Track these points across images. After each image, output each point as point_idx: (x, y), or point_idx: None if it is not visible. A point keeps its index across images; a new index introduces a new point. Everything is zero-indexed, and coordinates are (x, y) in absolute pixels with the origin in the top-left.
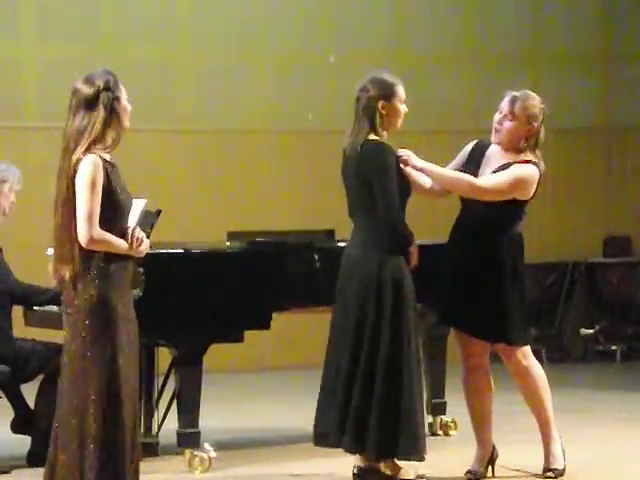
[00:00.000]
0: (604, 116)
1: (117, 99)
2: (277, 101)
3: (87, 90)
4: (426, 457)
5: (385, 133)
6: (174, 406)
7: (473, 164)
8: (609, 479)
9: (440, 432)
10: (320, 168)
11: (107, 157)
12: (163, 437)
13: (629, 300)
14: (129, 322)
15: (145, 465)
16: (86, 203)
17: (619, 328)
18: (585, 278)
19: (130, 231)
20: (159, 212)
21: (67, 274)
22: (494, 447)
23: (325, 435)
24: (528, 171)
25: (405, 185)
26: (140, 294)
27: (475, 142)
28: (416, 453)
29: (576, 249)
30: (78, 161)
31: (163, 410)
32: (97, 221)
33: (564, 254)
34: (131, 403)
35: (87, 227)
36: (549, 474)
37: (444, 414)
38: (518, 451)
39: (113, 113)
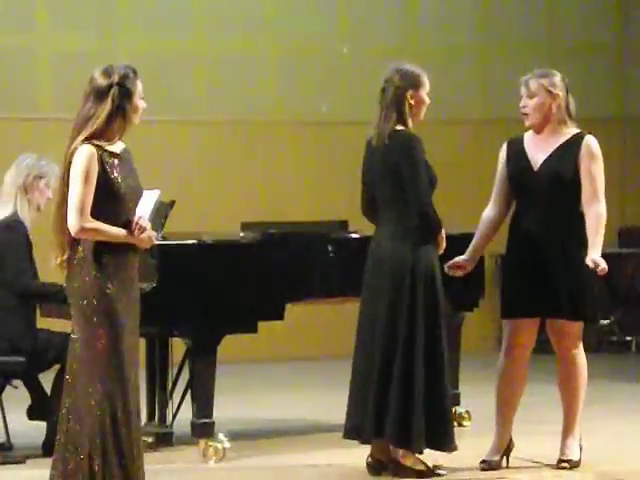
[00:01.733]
0: (619, 106)
1: (129, 96)
2: (291, 92)
3: (101, 81)
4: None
5: (411, 123)
6: (188, 396)
7: (515, 161)
8: (624, 470)
9: (454, 423)
10: (334, 159)
11: (111, 148)
12: (177, 427)
13: None
14: (130, 311)
15: (159, 455)
16: (77, 193)
17: (634, 319)
18: None
19: (135, 219)
20: (173, 203)
21: (58, 260)
22: (511, 438)
23: (358, 428)
24: (595, 145)
25: (433, 176)
26: (154, 285)
27: (505, 143)
28: (451, 443)
29: None
30: (74, 151)
31: (177, 400)
32: (88, 211)
33: None
34: (135, 388)
35: (77, 217)
36: (564, 465)
37: (458, 405)
38: (533, 442)
39: (120, 109)
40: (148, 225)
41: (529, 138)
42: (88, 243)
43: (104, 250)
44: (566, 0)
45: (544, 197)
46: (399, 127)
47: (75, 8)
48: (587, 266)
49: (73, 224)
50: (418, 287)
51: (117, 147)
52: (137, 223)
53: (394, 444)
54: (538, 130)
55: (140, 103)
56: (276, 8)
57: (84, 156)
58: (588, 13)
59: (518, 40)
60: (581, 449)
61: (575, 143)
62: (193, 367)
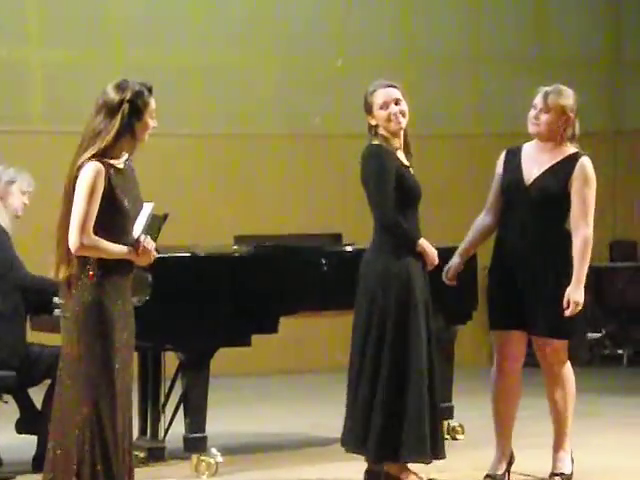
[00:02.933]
0: (611, 120)
1: (139, 114)
2: (285, 105)
3: (113, 96)
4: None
5: (384, 139)
6: (181, 411)
7: (510, 167)
8: None
9: (447, 436)
10: (328, 172)
11: (116, 163)
12: (170, 442)
13: (635, 304)
14: (125, 329)
15: (152, 470)
16: (81, 210)
17: (626, 332)
18: (591, 282)
19: (141, 239)
20: (166, 216)
21: (61, 274)
22: (512, 451)
23: (349, 441)
24: (590, 167)
25: (411, 186)
26: (146, 299)
27: (504, 152)
28: (422, 455)
29: None
30: (81, 166)
31: (170, 415)
32: (90, 228)
33: None
34: (125, 406)
35: (78, 234)
36: (557, 478)
37: (452, 418)
38: (527, 456)
39: (128, 127)
40: (153, 245)
41: (528, 150)
42: (93, 260)
43: (110, 267)
44: (559, 14)
45: (532, 213)
46: (375, 141)
47: (67, 21)
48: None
49: (73, 241)
50: (389, 298)
51: (121, 161)
52: (142, 244)
53: (374, 460)
54: (540, 140)
55: (151, 122)
56: (270, 20)
57: (91, 173)
58: (581, 27)
59: (511, 54)
60: (573, 462)
61: (570, 162)
62: (186, 381)
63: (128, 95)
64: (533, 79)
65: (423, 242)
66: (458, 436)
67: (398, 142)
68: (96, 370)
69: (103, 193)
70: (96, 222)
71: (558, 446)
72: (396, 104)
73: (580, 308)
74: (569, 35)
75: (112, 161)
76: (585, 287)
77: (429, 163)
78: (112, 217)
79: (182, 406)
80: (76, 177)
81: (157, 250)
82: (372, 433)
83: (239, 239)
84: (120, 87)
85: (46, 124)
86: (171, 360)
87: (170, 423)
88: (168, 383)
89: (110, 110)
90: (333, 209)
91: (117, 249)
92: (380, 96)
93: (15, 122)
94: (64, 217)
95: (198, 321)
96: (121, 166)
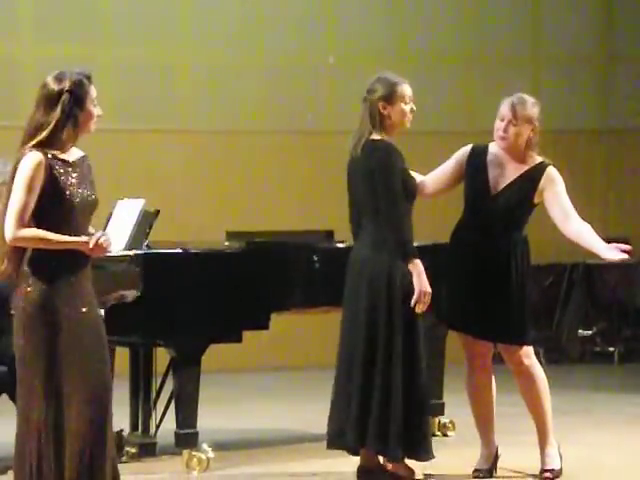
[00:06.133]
0: (603, 118)
1: (80, 103)
2: (276, 101)
3: (52, 87)
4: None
5: (386, 134)
6: (172, 406)
7: (474, 169)
8: None
9: (438, 433)
10: (319, 168)
11: (63, 156)
12: (161, 437)
13: (627, 302)
14: (79, 325)
15: (143, 465)
16: (17, 201)
17: (617, 330)
18: (583, 279)
19: (98, 235)
20: (157, 212)
21: (3, 268)
22: (497, 447)
23: (341, 435)
24: (556, 173)
25: (412, 185)
26: (138, 294)
27: (470, 148)
28: (426, 453)
29: (574, 250)
30: (21, 157)
31: (161, 410)
32: (25, 218)
33: (562, 255)
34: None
35: (12, 224)
36: (547, 474)
37: (442, 415)
38: (517, 452)
39: (70, 117)
40: (110, 244)
41: (493, 154)
42: (35, 254)
43: (53, 259)
44: (551, 12)
45: (495, 220)
46: (375, 136)
47: (60, 17)
48: (522, 284)
49: (7, 232)
50: (396, 295)
51: (72, 155)
52: (98, 239)
53: (374, 451)
54: (508, 152)
55: (94, 110)
56: (262, 18)
57: (30, 163)
58: (573, 25)
59: (503, 52)
60: (561, 457)
61: (537, 172)
62: (177, 377)
63: (67, 85)
64: (525, 77)
65: (420, 265)
66: (449, 432)
67: (395, 138)
68: (41, 370)
69: (44, 183)
70: (37, 213)
71: (543, 442)
72: (411, 101)
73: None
74: (562, 33)
75: (55, 152)
76: (575, 284)
77: (419, 160)
78: (54, 207)
79: (173, 402)
80: (16, 169)
81: (149, 246)
82: (370, 428)
83: (231, 235)
84: (58, 78)
85: None
86: (162, 356)
87: (161, 419)
88: (159, 379)
89: (49, 102)
90: (325, 206)
91: (60, 238)
92: (407, 90)
93: (8, 118)
94: (5, 210)
95: (189, 317)
96: (70, 159)
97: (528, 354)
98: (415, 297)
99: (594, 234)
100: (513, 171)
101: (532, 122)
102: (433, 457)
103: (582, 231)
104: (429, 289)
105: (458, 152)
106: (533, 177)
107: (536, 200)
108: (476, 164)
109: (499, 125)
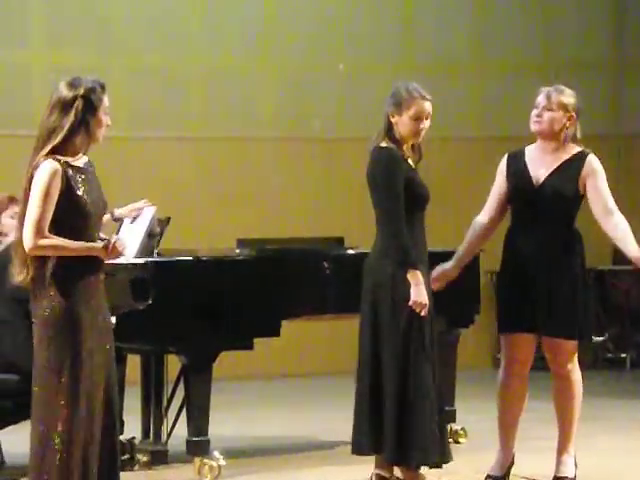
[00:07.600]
0: (613, 123)
1: (93, 110)
2: (287, 109)
3: (66, 92)
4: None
5: (394, 143)
6: (183, 414)
7: (515, 169)
8: None
9: (450, 440)
10: (330, 175)
11: (75, 163)
12: (172, 445)
13: (639, 308)
14: (98, 332)
15: (154, 473)
16: (35, 210)
17: (629, 336)
18: (595, 285)
19: (113, 239)
20: (169, 219)
21: (21, 277)
22: (513, 454)
23: (361, 443)
24: (597, 162)
25: (421, 193)
26: (149, 302)
27: (506, 156)
28: (442, 455)
29: (586, 256)
30: (37, 165)
31: (172, 418)
32: (45, 227)
33: None
34: (96, 414)
35: (31, 234)
36: None
37: (454, 422)
38: (530, 459)
39: (83, 123)
40: (125, 248)
41: (531, 153)
42: (54, 263)
43: (73, 267)
44: (562, 17)
45: (544, 214)
46: (383, 144)
47: (70, 24)
48: (585, 283)
49: (26, 241)
50: (398, 302)
51: (81, 161)
52: (113, 243)
53: (389, 461)
54: (544, 138)
55: (105, 118)
56: (272, 24)
57: (47, 172)
58: (584, 30)
59: (514, 57)
60: (576, 465)
61: (578, 161)
62: (188, 384)
63: (81, 91)
64: (536, 82)
65: (418, 275)
66: (461, 439)
67: (407, 146)
68: (65, 377)
69: (61, 191)
70: (55, 221)
71: (562, 449)
72: (426, 119)
73: None
74: (572, 38)
75: (69, 159)
76: (588, 289)
77: (431, 166)
78: (71, 215)
79: (185, 409)
80: (32, 177)
81: (160, 254)
82: (388, 436)
83: (242, 242)
84: (73, 84)
85: None
86: (174, 363)
87: (173, 426)
88: (171, 386)
89: (64, 107)
90: (335, 213)
91: (78, 245)
92: (419, 107)
93: (20, 126)
94: (23, 218)
95: (201, 324)
96: (80, 165)
97: (573, 358)
98: (413, 294)
99: (629, 233)
100: (553, 162)
101: (568, 110)
102: (451, 459)
103: (618, 227)
104: (426, 300)
105: (498, 169)
106: (574, 165)
107: (581, 190)
108: (516, 165)
109: (534, 112)
